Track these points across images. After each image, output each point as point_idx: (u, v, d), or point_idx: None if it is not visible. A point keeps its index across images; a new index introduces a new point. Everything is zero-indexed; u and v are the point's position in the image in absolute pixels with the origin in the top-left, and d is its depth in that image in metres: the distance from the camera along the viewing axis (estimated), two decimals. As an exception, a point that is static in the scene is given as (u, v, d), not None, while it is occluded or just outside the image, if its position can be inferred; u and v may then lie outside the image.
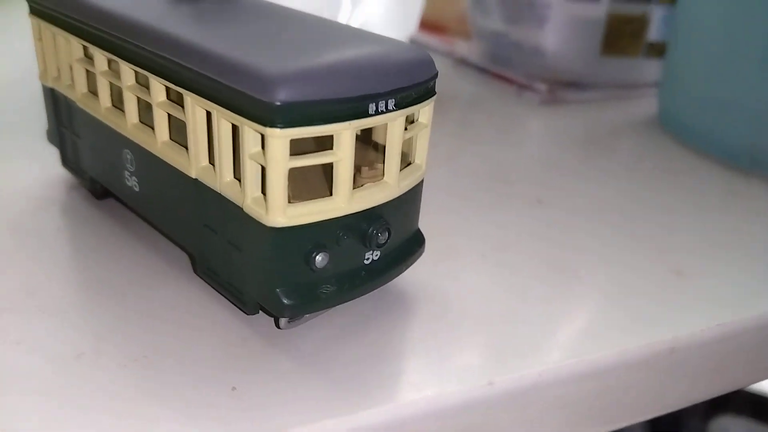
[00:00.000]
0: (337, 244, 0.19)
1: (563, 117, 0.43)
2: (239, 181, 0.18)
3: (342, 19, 0.45)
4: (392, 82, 0.18)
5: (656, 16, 0.46)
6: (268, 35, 0.19)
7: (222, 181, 0.19)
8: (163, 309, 0.21)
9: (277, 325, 0.20)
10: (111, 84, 0.23)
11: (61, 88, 0.26)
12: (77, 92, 0.24)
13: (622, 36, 0.47)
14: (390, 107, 0.18)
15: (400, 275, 0.22)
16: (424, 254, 0.22)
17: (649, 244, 0.27)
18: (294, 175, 0.18)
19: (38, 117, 0.30)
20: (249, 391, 0.18)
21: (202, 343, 0.19)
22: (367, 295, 0.21)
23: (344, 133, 0.17)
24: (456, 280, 0.24)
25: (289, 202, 0.18)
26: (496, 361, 0.20)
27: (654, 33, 0.47)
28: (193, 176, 0.20)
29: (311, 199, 0.18)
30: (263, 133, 0.16)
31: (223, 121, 0.18)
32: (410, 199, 0.21)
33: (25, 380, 0.18)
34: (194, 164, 0.20)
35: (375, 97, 0.17)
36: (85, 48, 0.23)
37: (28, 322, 0.20)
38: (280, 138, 0.16)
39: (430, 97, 0.20)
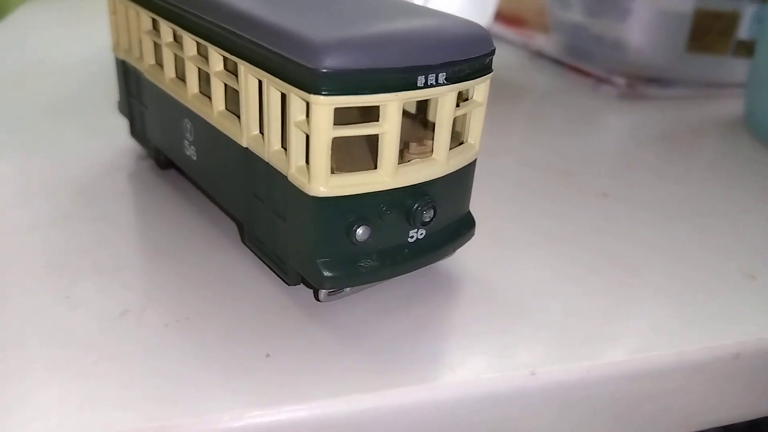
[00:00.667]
0: (379, 219, 0.18)
1: (642, 113, 0.41)
2: (286, 150, 0.18)
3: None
4: (443, 55, 0.17)
5: (747, 13, 0.44)
6: (325, 7, 0.19)
7: (270, 150, 0.19)
8: (211, 275, 0.21)
9: (317, 297, 0.20)
10: (175, 56, 0.23)
11: (131, 60, 0.26)
12: (145, 64, 0.25)
13: (709, 32, 0.44)
14: (440, 81, 0.18)
15: (448, 257, 0.22)
16: (475, 238, 0.22)
17: (720, 244, 0.25)
18: (339, 145, 0.18)
19: (112, 92, 0.31)
20: (282, 358, 0.18)
21: (244, 310, 0.19)
22: (412, 274, 0.21)
23: (390, 105, 0.17)
24: (507, 267, 0.23)
25: (333, 172, 0.17)
26: (541, 351, 0.19)
27: (744, 31, 0.44)
28: (244, 145, 0.20)
29: (355, 171, 0.18)
30: (307, 100, 0.16)
31: (272, 89, 0.18)
32: (460, 179, 0.20)
33: (67, 334, 0.18)
34: (245, 133, 0.20)
35: (424, 69, 0.17)
36: (153, 21, 0.24)
37: (80, 278, 0.21)
38: (323, 105, 0.16)
39: (486, 74, 0.19)
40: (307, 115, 0.17)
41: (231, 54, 0.19)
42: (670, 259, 0.24)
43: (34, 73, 0.40)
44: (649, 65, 0.45)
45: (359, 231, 0.18)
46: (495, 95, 0.42)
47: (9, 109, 0.34)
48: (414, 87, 0.17)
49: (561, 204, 0.28)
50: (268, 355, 0.18)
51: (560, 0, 0.50)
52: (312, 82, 0.16)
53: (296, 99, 0.17)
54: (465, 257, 0.23)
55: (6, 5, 0.61)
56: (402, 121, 0.21)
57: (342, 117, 0.17)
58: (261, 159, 0.19)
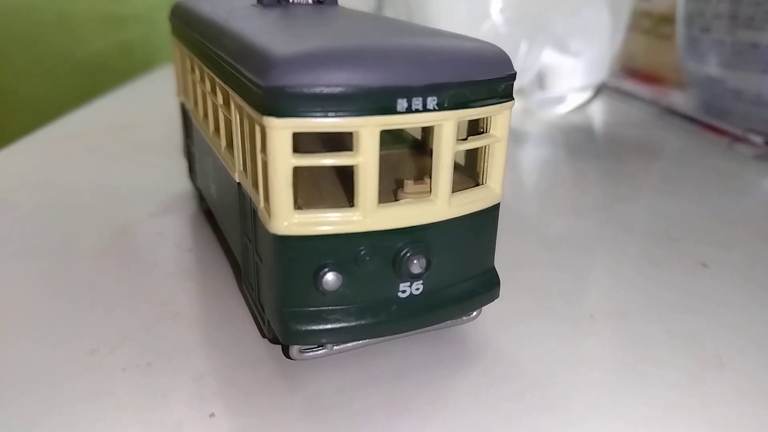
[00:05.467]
0: (355, 266, 0.15)
1: (782, 175, 0.34)
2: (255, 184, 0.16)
3: (517, 65, 0.42)
4: (430, 76, 0.15)
5: None
6: (317, 29, 0.17)
7: (249, 184, 0.17)
8: (196, 320, 0.19)
9: (286, 354, 0.17)
10: (203, 94, 0.23)
11: (186, 102, 0.27)
12: (191, 104, 0.25)
13: None
14: (430, 106, 0.15)
15: (470, 321, 0.18)
16: (521, 303, 0.18)
17: None
18: (310, 178, 0.16)
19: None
20: (227, 422, 0.15)
21: (211, 360, 0.17)
22: (419, 337, 0.17)
23: (363, 131, 0.14)
24: (547, 340, 0.19)
25: (300, 208, 0.15)
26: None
27: None
28: (237, 180, 0.18)
29: (326, 207, 0.15)
30: (261, 123, 0.14)
31: (244, 115, 0.16)
32: (474, 227, 0.17)
33: (34, 371, 0.17)
34: (237, 167, 0.18)
35: (405, 91, 0.14)
36: (191, 59, 0.24)
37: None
38: (278, 129, 0.14)
39: (503, 102, 0.16)
40: (263, 142, 0.15)
41: (222, 81, 0.18)
42: (760, 351, 0.18)
43: (146, 121, 0.42)
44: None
45: (327, 278, 0.15)
46: (619, 152, 0.38)
47: (102, 150, 0.36)
48: (393, 111, 0.15)
49: (646, 272, 0.23)
50: (212, 415, 0.15)
51: (695, 53, 0.45)
52: (264, 102, 0.14)
53: (256, 124, 0.15)
54: (496, 323, 0.19)
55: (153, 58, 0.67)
56: (398, 159, 0.19)
57: (312, 144, 0.15)
58: (246, 195, 0.18)
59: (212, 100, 0.21)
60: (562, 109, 0.45)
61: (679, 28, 0.46)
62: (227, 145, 0.20)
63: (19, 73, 0.68)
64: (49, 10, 0.68)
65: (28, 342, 0.18)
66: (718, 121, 0.42)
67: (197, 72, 0.23)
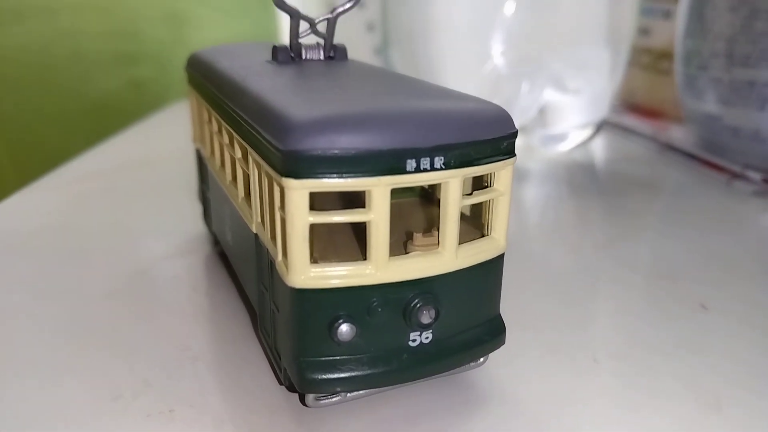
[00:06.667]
0: (368, 317, 0.16)
1: (780, 212, 0.35)
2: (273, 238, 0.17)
3: (519, 104, 0.43)
4: (437, 137, 0.16)
5: None
6: (330, 91, 0.18)
7: (267, 237, 0.18)
8: (215, 365, 0.20)
9: (303, 401, 0.18)
10: (220, 144, 0.24)
11: (202, 149, 0.28)
12: (207, 152, 0.26)
13: None
14: (438, 165, 0.16)
15: (477, 367, 0.19)
16: (526, 347, 0.19)
17: None
18: (325, 232, 0.17)
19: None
20: (246, 467, 0.16)
21: (231, 405, 0.18)
22: (429, 382, 0.18)
23: (375, 191, 0.15)
24: (547, 384, 0.19)
25: (316, 262, 0.16)
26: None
27: None
28: (254, 231, 0.19)
29: (341, 261, 0.16)
30: (280, 183, 0.15)
31: (263, 172, 0.17)
32: (480, 278, 0.18)
33: (59, 417, 0.18)
34: (254, 219, 0.19)
35: (414, 152, 0.15)
36: (207, 109, 0.25)
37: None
38: (296, 190, 0.15)
39: (506, 158, 0.17)
40: (282, 200, 0.16)
41: (240, 137, 0.19)
42: (759, 395, 0.19)
43: (159, 160, 0.43)
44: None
45: (342, 329, 0.16)
46: (621, 190, 0.39)
47: (117, 190, 0.37)
48: (403, 171, 0.15)
49: (644, 315, 0.24)
50: (231, 461, 0.16)
51: (693, 91, 0.46)
52: (282, 165, 0.15)
53: (274, 183, 0.16)
54: (500, 368, 0.20)
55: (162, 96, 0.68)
56: (407, 208, 0.20)
57: (326, 201, 0.16)
58: (263, 246, 0.18)
59: (230, 153, 0.22)
60: (565, 146, 0.46)
61: (677, 67, 0.47)
62: (244, 195, 0.21)
63: (33, 111, 0.70)
64: (61, 48, 0.70)
65: (52, 386, 0.19)
66: (717, 158, 0.43)
67: (215, 124, 0.24)
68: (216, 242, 0.28)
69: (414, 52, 0.46)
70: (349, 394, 0.18)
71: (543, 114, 0.45)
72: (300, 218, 0.15)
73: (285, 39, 0.22)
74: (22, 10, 0.69)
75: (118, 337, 0.22)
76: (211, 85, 0.23)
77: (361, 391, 0.18)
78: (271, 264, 0.18)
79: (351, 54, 0.24)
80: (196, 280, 0.26)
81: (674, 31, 0.47)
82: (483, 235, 0.18)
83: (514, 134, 0.17)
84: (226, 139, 0.22)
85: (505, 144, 0.17)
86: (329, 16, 0.21)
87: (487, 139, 0.16)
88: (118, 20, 0.70)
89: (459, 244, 0.17)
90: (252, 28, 0.77)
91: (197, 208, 0.31)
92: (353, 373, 0.17)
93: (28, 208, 0.35)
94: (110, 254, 0.29)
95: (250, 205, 0.20)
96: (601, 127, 0.48)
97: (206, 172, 0.27)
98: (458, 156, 0.16)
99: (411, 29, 0.45)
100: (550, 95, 0.44)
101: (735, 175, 0.40)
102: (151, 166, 0.43)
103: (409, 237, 0.17)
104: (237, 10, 0.77)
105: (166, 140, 0.50)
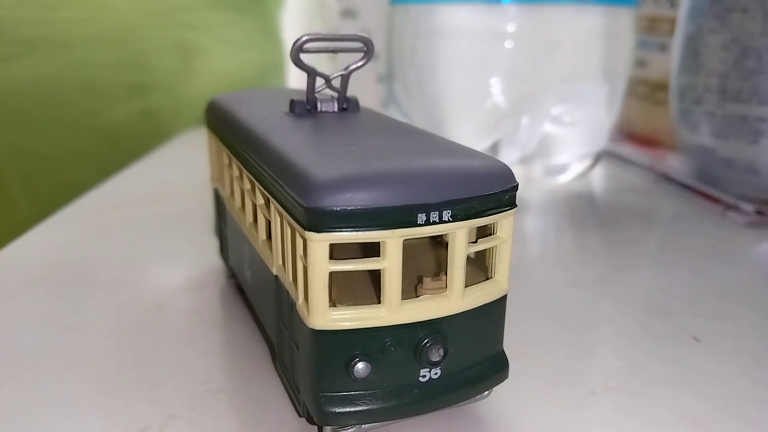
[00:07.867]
0: (382, 355, 0.18)
1: (772, 243, 0.37)
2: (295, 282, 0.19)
3: (519, 138, 0.45)
4: (445, 193, 0.17)
5: None
6: (347, 148, 0.20)
7: (287, 280, 0.19)
8: (237, 398, 0.22)
9: (321, 433, 0.19)
10: (241, 188, 0.25)
11: (220, 189, 0.29)
12: (226, 193, 0.28)
13: None
14: (445, 218, 0.17)
15: (481, 399, 0.20)
16: (528, 379, 0.20)
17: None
18: (342, 278, 0.18)
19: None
20: (271, 496, 0.17)
21: (254, 437, 0.20)
22: (434, 414, 0.19)
23: (389, 242, 0.17)
24: (547, 415, 0.21)
25: (334, 305, 0.18)
26: None
27: None
28: (274, 273, 0.21)
29: (357, 304, 0.18)
30: (303, 236, 0.17)
31: (284, 221, 0.19)
32: (484, 317, 0.19)
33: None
34: (275, 262, 0.21)
35: (423, 207, 0.17)
36: (227, 154, 0.27)
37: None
38: (317, 242, 0.17)
39: (508, 209, 0.19)
40: (304, 250, 0.17)
41: (263, 188, 0.21)
42: (750, 426, 0.20)
43: (174, 192, 0.45)
44: (786, 191, 0.41)
45: (358, 367, 0.18)
46: (618, 221, 0.41)
47: (139, 221, 0.39)
48: (414, 224, 0.17)
49: (642, 346, 0.25)
50: (257, 490, 0.17)
51: (688, 123, 0.48)
52: (306, 220, 0.17)
53: (297, 234, 0.18)
54: (503, 399, 0.21)
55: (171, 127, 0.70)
56: (417, 249, 0.21)
57: (344, 250, 0.17)
58: (283, 287, 0.20)
59: (251, 198, 0.23)
60: (564, 178, 0.48)
61: (673, 100, 0.49)
62: (265, 238, 0.22)
63: (46, 143, 0.72)
64: (73, 80, 0.72)
65: (81, 418, 0.20)
66: (711, 189, 0.44)
67: (235, 169, 0.25)
68: (232, 275, 0.30)
69: (420, 88, 0.47)
70: (363, 426, 0.19)
71: (543, 145, 0.47)
72: (321, 267, 0.17)
73: (290, 70, 0.24)
74: (35, 43, 0.71)
75: (143, 370, 0.23)
76: (233, 134, 0.24)
77: (375, 423, 0.19)
78: (292, 305, 0.19)
79: (362, 99, 0.25)
80: (214, 314, 0.28)
81: (670, 64, 0.49)
82: (487, 278, 0.20)
83: (515, 187, 0.19)
84: (247, 185, 0.24)
85: (506, 197, 0.19)
86: (343, 72, 0.23)
87: (490, 194, 0.18)
88: (128, 52, 0.72)
89: (465, 287, 0.18)
90: (259, 58, 0.80)
91: (211, 241, 0.33)
92: (368, 407, 0.18)
93: (47, 241, 0.36)
94: (130, 288, 0.30)
95: (270, 248, 0.21)
96: (599, 157, 0.49)
97: (224, 211, 0.29)
98: (464, 209, 0.18)
99: (415, 68, 0.47)
100: (550, 128, 0.46)
101: (728, 206, 0.41)
102: (164, 198, 0.45)
103: (419, 280, 0.19)
104: (244, 40, 0.79)
105: (178, 172, 0.52)
